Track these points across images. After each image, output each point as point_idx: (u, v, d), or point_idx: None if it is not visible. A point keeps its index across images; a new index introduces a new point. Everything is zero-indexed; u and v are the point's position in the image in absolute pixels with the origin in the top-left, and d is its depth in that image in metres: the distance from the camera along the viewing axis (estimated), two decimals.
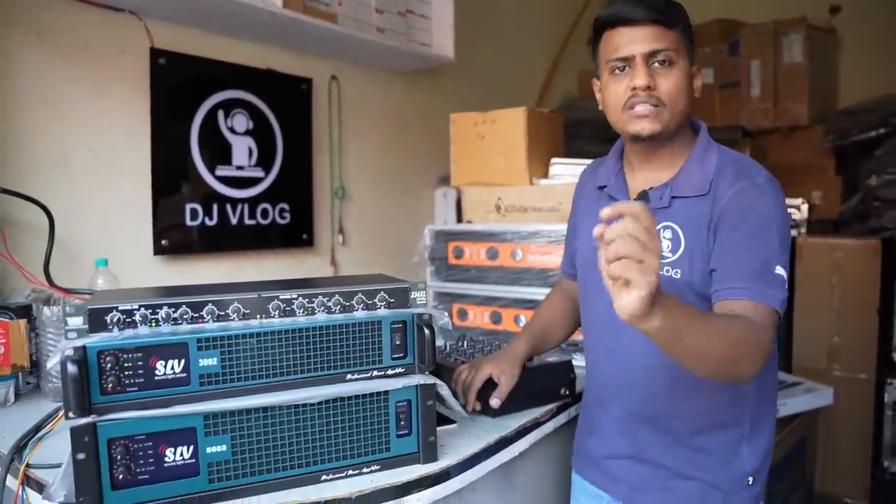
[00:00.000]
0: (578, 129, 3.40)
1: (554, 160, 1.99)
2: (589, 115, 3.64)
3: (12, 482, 1.06)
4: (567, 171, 1.94)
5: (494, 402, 1.32)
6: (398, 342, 1.06)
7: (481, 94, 3.10)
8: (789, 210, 3.47)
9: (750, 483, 1.19)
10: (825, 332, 3.13)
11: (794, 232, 3.46)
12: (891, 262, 3.07)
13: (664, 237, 1.17)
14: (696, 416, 1.19)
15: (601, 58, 1.20)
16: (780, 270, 1.05)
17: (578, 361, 1.64)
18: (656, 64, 1.14)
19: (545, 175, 2.00)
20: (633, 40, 1.13)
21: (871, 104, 3.53)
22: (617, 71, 1.17)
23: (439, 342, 1.78)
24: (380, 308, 1.06)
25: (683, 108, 1.17)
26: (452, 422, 1.28)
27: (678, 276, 1.14)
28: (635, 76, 1.13)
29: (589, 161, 1.48)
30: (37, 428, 1.18)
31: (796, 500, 2.67)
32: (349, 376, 1.03)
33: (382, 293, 1.06)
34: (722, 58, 4.02)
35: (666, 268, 1.16)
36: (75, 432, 0.87)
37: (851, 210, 3.53)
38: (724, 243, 1.10)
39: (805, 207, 3.53)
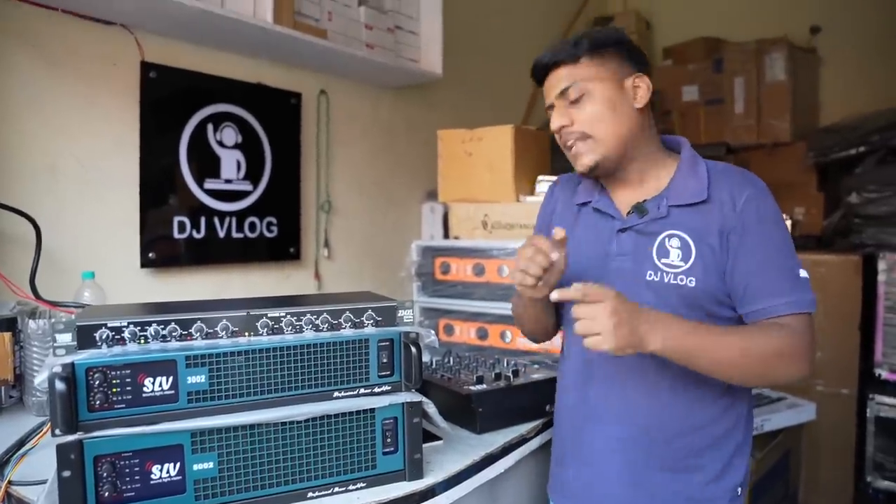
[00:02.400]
0: None
1: (540, 178, 2.01)
2: None
3: None
4: None
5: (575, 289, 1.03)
6: (385, 360, 1.07)
7: (469, 109, 3.13)
8: None
9: (738, 493, 1.20)
10: None
11: None
12: (872, 278, 3.12)
13: (672, 246, 1.15)
14: (693, 434, 1.18)
15: None
16: (803, 273, 1.11)
17: None
18: (568, 102, 1.18)
19: (532, 192, 2.02)
20: (547, 89, 1.22)
21: (852, 122, 3.60)
22: (550, 114, 1.23)
23: (425, 358, 1.79)
24: (367, 326, 1.07)
25: (614, 129, 1.17)
26: (438, 438, 1.29)
27: (693, 283, 1.13)
28: (552, 119, 1.21)
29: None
30: (20, 443, 1.17)
31: None
32: (336, 394, 1.04)
33: (370, 311, 1.07)
34: (706, 75, 4.09)
35: (679, 277, 1.14)
36: (61, 449, 0.87)
37: (833, 226, 3.59)
38: (748, 259, 1.11)
39: (788, 223, 3.58)
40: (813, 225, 3.74)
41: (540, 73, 1.23)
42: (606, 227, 1.23)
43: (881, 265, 3.10)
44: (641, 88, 1.18)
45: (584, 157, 1.19)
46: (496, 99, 3.43)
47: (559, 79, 1.19)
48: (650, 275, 1.15)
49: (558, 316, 1.35)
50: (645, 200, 1.20)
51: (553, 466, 1.35)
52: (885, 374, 3.10)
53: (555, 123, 1.20)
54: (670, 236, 1.15)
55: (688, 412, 1.17)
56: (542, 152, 2.18)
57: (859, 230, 3.38)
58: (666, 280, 1.14)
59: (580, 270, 1.24)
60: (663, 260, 1.15)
